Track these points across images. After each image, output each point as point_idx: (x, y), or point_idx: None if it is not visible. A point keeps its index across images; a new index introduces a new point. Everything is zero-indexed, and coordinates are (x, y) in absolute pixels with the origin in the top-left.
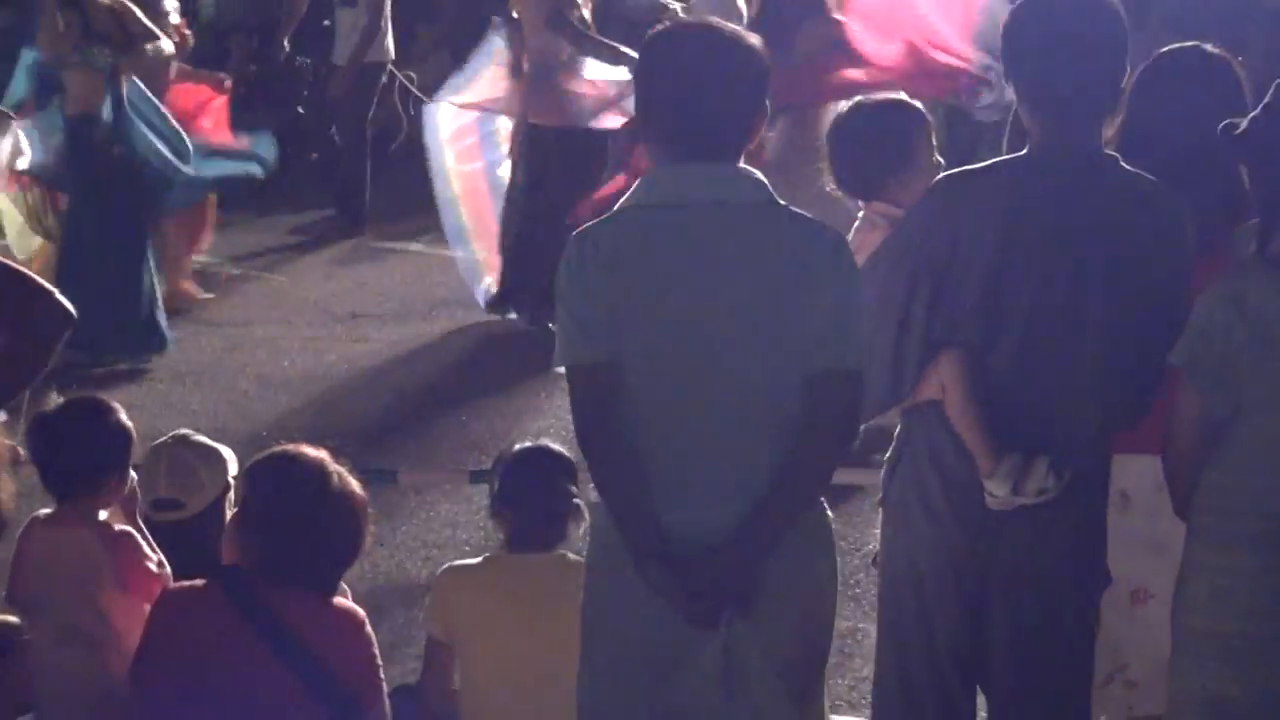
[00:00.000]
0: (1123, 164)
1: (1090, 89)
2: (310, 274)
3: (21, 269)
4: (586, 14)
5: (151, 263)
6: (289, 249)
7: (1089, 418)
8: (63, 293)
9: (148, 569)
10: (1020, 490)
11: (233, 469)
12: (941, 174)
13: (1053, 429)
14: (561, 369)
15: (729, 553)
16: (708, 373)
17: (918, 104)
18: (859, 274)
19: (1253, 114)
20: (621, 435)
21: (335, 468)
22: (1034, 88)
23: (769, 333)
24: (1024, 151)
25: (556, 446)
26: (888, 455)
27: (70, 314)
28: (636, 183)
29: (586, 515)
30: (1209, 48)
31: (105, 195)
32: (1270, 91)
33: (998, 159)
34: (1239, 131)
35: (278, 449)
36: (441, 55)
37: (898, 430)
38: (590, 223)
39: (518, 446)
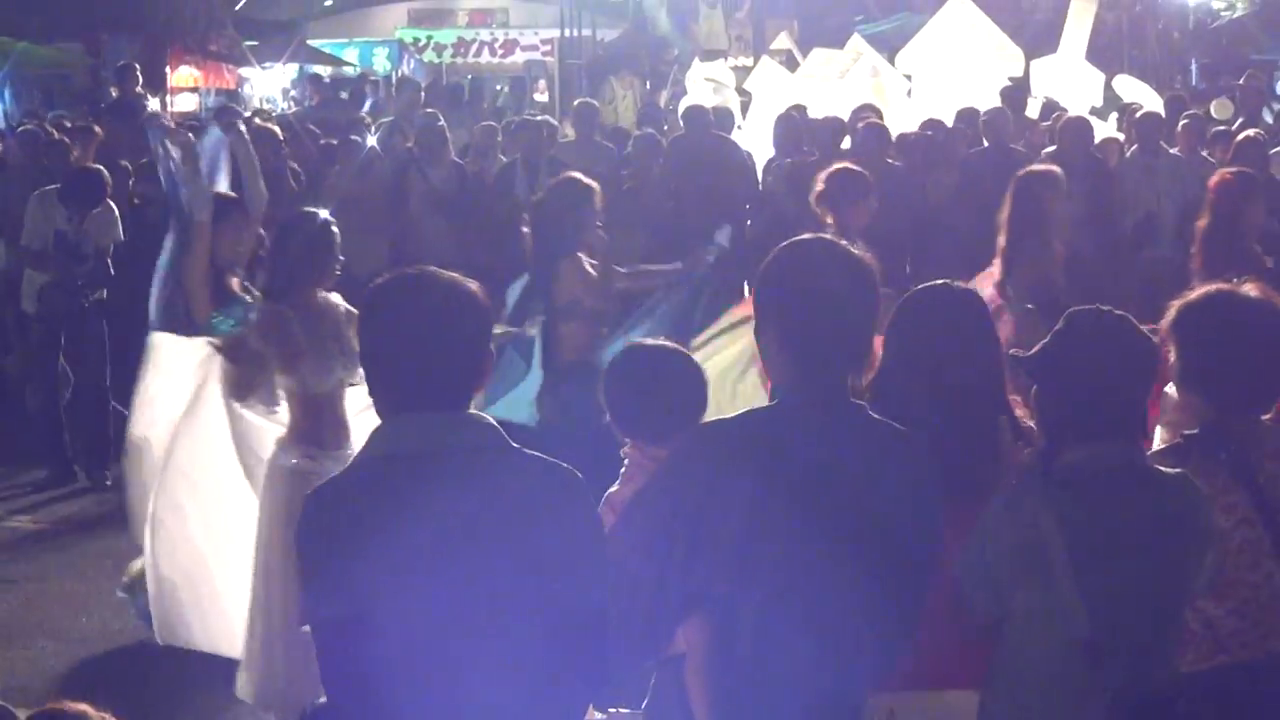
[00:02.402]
0: (871, 414)
1: (840, 341)
2: (107, 523)
3: None
4: None
5: None
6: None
7: (849, 674)
8: None
9: None
10: None
11: None
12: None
13: (812, 688)
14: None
15: None
16: (452, 622)
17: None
18: (596, 513)
19: (1044, 341)
20: (370, 689)
21: None
22: (785, 339)
23: (511, 578)
24: (775, 403)
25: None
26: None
27: None
28: (370, 434)
29: None
30: (957, 284)
31: None
32: (1062, 319)
33: (749, 410)
34: (1032, 353)
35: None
36: None
37: (653, 680)
38: (327, 480)
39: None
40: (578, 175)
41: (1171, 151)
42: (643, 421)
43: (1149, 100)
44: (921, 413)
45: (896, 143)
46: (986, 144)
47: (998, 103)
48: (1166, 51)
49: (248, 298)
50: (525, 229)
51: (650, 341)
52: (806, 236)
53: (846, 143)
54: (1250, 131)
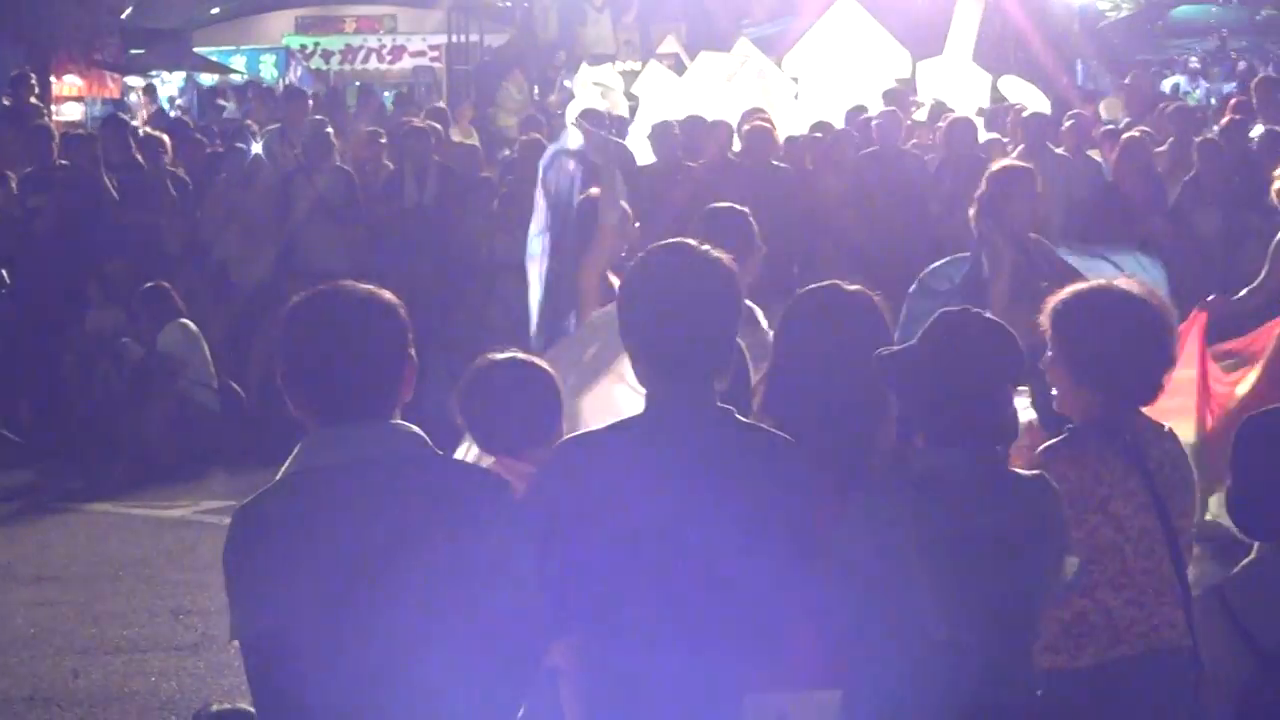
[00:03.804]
0: (739, 417)
1: (702, 345)
2: None
3: None
4: None
5: None
6: None
7: (725, 679)
8: None
9: None
10: None
11: None
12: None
13: (686, 696)
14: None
15: None
16: (380, 634)
17: (545, 364)
18: (522, 519)
19: (909, 341)
20: (297, 703)
21: None
22: (647, 345)
23: (438, 587)
24: (643, 411)
25: (246, 706)
26: None
27: None
28: (297, 449)
29: None
30: (847, 286)
31: None
32: (927, 324)
33: (620, 420)
34: (893, 353)
35: None
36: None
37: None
38: (253, 496)
39: (214, 707)
40: None
41: (1058, 151)
42: (498, 435)
43: (1035, 101)
44: (809, 415)
45: (784, 145)
46: (877, 146)
47: (883, 104)
48: (1053, 52)
49: None
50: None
51: (500, 355)
52: (668, 242)
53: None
54: (1135, 131)
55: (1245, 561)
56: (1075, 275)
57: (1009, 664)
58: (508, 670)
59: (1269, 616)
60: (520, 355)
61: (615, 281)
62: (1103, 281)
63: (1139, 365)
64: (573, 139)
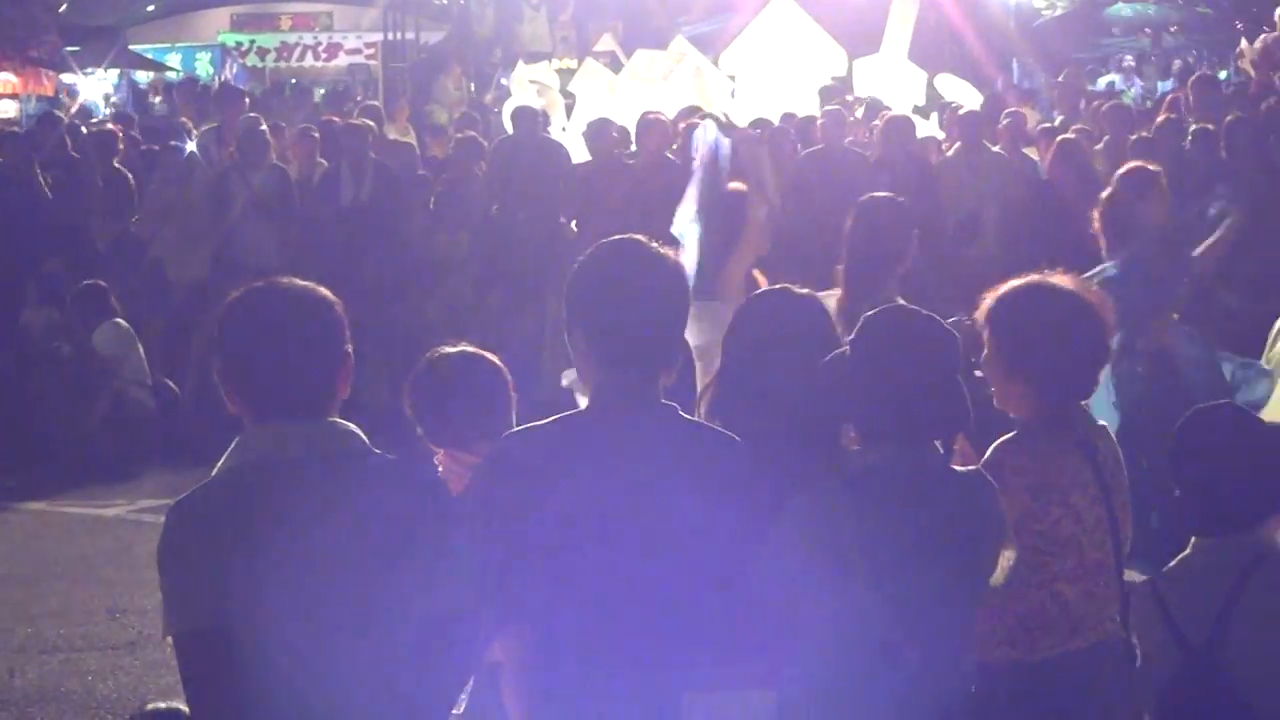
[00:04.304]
0: (682, 414)
1: (648, 342)
2: None
3: None
4: None
5: None
6: None
7: (666, 677)
8: None
9: None
10: None
11: None
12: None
13: (628, 693)
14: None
15: None
16: (314, 630)
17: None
18: (456, 514)
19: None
20: (232, 701)
21: None
22: (593, 340)
23: (375, 584)
24: (586, 407)
25: (181, 705)
26: None
27: None
28: (232, 445)
29: None
30: (797, 290)
31: None
32: (857, 326)
33: (563, 415)
34: (827, 360)
35: None
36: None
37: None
38: (187, 493)
39: (150, 706)
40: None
41: (994, 149)
42: (447, 427)
43: (971, 99)
44: (758, 417)
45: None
46: (821, 145)
47: (819, 102)
48: (988, 50)
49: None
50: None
51: (450, 348)
52: (617, 238)
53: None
54: (1071, 132)
55: (1180, 556)
56: None
57: (946, 660)
58: (446, 665)
59: (1198, 611)
60: (470, 348)
61: (759, 277)
62: (1036, 277)
63: (1076, 359)
64: (709, 133)
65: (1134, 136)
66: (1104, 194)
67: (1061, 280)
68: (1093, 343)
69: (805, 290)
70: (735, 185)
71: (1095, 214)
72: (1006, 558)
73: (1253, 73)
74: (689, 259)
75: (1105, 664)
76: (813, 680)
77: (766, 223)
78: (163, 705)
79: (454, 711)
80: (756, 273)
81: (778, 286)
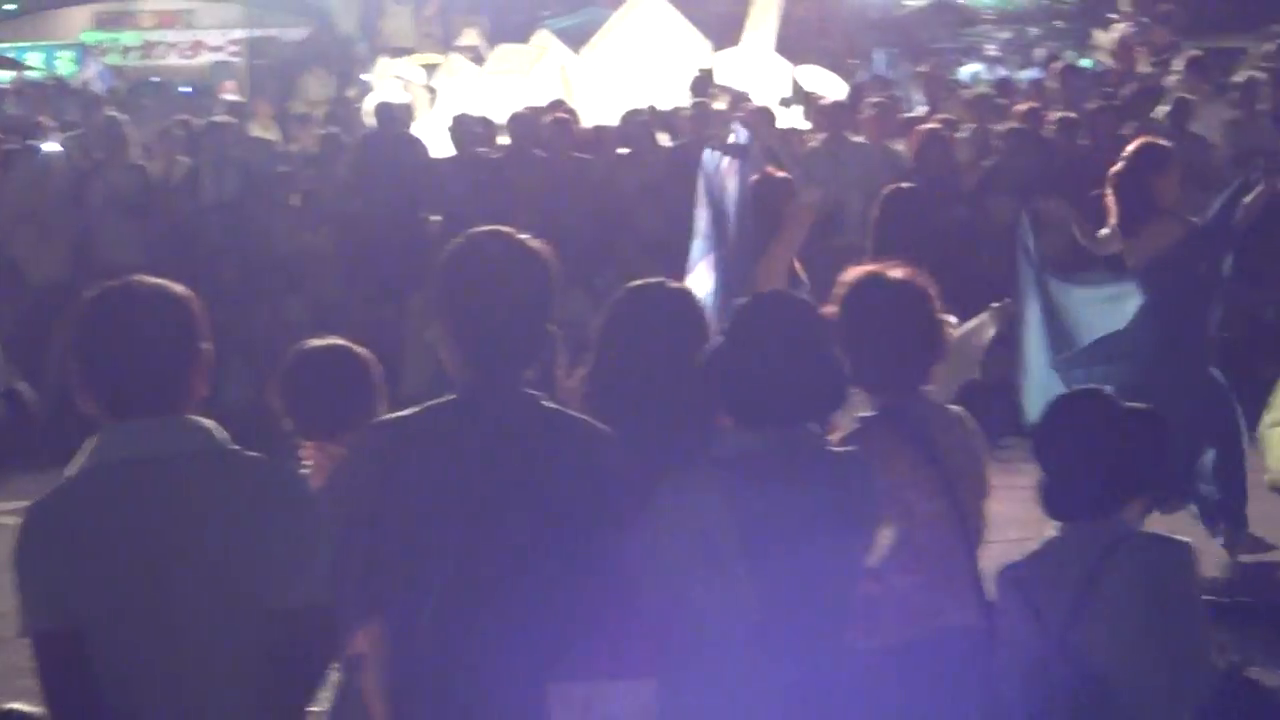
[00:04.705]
0: (545, 404)
1: (512, 333)
2: None
3: None
4: None
5: None
6: None
7: (529, 667)
8: None
9: None
10: None
11: None
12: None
13: (491, 683)
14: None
15: None
16: (174, 628)
17: (363, 351)
18: (316, 507)
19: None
20: (90, 700)
21: None
22: (458, 331)
23: (231, 579)
24: (452, 397)
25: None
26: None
27: None
28: (87, 445)
29: None
30: (672, 284)
31: None
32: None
33: (426, 405)
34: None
35: None
36: None
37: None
38: (43, 495)
39: (5, 707)
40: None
41: (857, 140)
42: (315, 420)
43: (834, 90)
44: (631, 407)
45: (592, 137)
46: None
47: (685, 95)
48: (852, 41)
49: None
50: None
51: (318, 341)
52: (482, 229)
53: None
54: (934, 123)
55: (1042, 540)
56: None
57: (824, 641)
58: (306, 659)
59: (1058, 594)
60: (339, 341)
61: (799, 268)
62: (871, 268)
63: (900, 350)
64: (732, 137)
65: (999, 127)
66: (1116, 168)
67: (892, 270)
68: (916, 333)
69: (678, 284)
70: (775, 172)
71: (1107, 187)
72: (885, 536)
73: (1111, 62)
74: (701, 283)
75: (948, 652)
76: (691, 666)
77: (810, 210)
78: (20, 706)
79: (315, 709)
80: (797, 264)
81: (653, 280)
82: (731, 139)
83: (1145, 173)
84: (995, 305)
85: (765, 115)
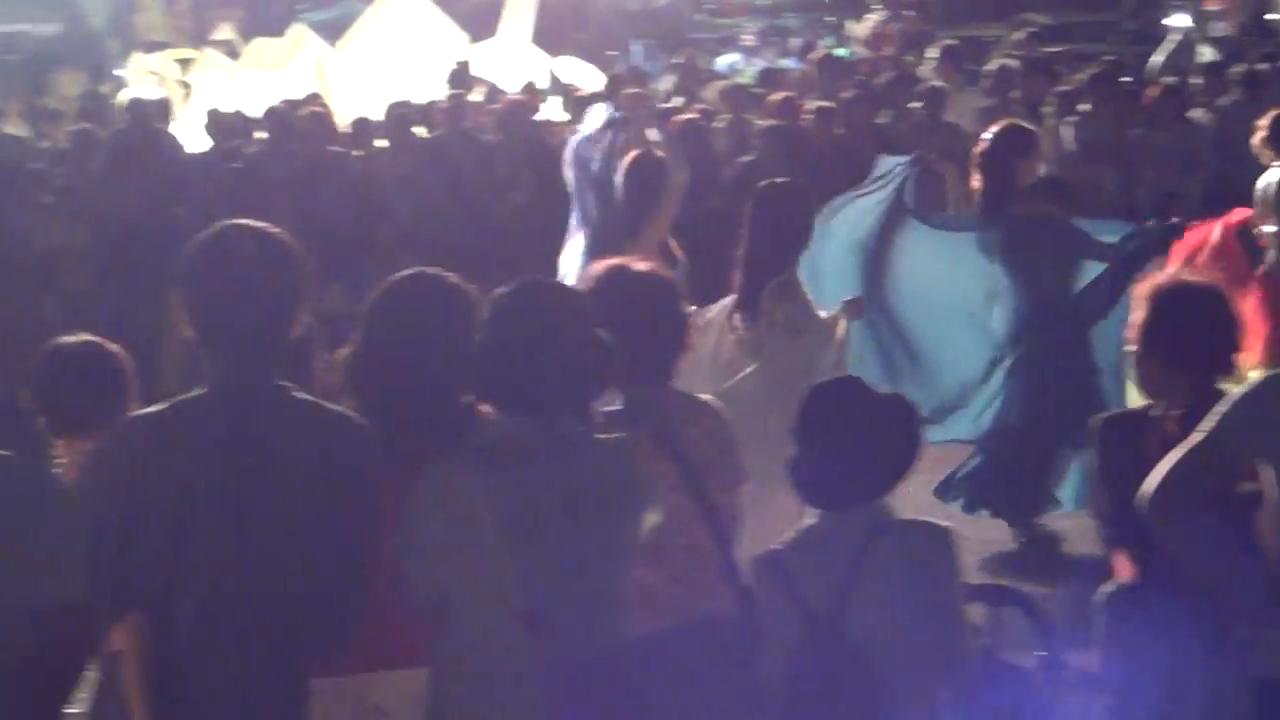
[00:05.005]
0: (296, 395)
1: (257, 325)
2: None
3: None
4: None
5: None
6: None
7: (290, 660)
8: None
9: None
10: None
11: None
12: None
13: (251, 677)
14: None
15: None
16: None
17: (114, 347)
18: (70, 505)
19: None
20: None
21: None
22: (205, 326)
23: None
24: (202, 391)
25: None
26: None
27: None
28: None
29: None
30: (433, 272)
31: None
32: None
33: (176, 399)
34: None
35: None
36: None
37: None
38: None
39: None
40: None
41: None
42: (68, 418)
43: (592, 81)
44: (393, 397)
45: (351, 129)
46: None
47: (442, 87)
48: (608, 32)
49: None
50: None
51: (69, 339)
52: (228, 223)
53: None
54: (692, 113)
55: (803, 524)
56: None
57: (588, 628)
58: (61, 659)
59: (820, 579)
60: (90, 338)
61: (674, 244)
62: (616, 260)
63: (642, 342)
64: (596, 117)
65: (761, 124)
66: (978, 149)
67: (641, 264)
68: (660, 325)
69: (448, 274)
70: (652, 150)
71: (972, 170)
72: (652, 520)
73: (866, 51)
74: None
75: (699, 643)
76: (459, 653)
77: (680, 189)
78: None
79: (74, 710)
80: (672, 242)
81: (417, 270)
82: (605, 114)
83: (1010, 155)
84: (846, 299)
85: (527, 106)
